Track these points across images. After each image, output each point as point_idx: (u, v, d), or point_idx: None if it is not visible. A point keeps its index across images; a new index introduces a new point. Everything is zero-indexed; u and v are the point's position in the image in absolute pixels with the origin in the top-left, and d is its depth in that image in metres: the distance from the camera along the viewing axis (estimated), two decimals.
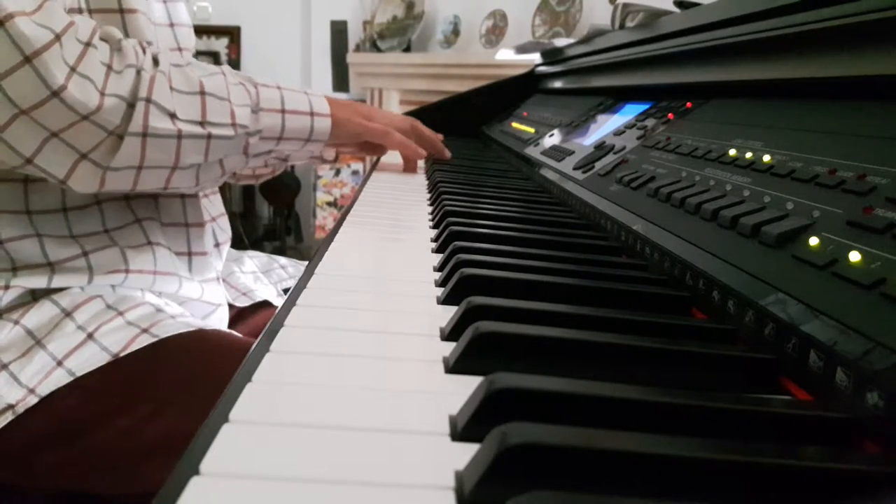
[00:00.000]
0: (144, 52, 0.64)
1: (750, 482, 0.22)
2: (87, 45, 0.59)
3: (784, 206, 0.41)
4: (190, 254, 0.77)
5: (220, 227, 0.85)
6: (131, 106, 0.61)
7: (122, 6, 0.67)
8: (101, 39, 0.61)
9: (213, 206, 0.84)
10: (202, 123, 0.65)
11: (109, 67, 0.60)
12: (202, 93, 0.65)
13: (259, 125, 0.70)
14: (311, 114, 0.75)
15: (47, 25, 0.56)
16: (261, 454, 0.23)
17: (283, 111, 0.72)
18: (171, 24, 0.78)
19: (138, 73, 0.62)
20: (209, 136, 0.65)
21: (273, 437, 0.24)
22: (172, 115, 0.63)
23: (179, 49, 0.79)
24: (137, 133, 0.61)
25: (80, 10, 0.65)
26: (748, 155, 0.50)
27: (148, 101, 0.61)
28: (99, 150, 0.60)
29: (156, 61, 0.64)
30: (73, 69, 0.57)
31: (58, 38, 0.56)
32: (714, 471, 0.22)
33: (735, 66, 0.67)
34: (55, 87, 0.56)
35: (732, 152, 0.52)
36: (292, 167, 3.37)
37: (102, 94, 0.59)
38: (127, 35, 0.68)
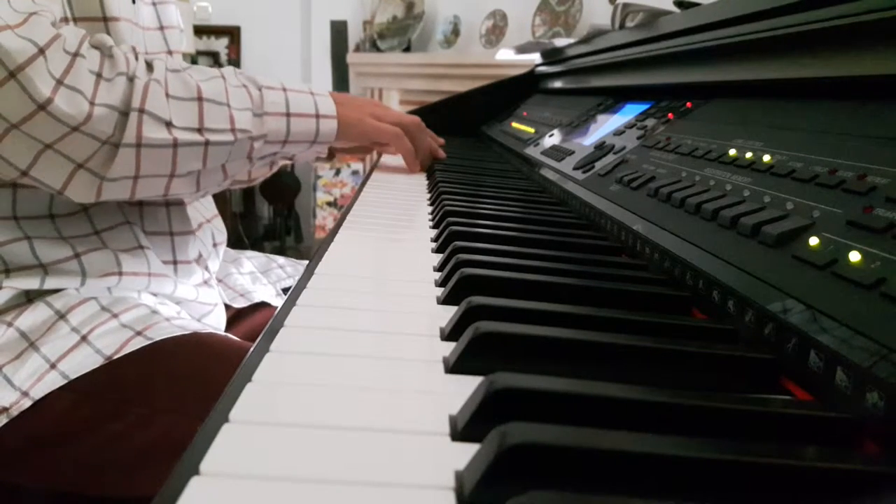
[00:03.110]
0: (137, 57, 0.63)
1: (750, 482, 0.22)
2: (75, 55, 0.58)
3: (784, 206, 0.41)
4: (175, 262, 0.76)
5: (216, 227, 0.84)
6: (124, 115, 0.60)
7: (105, 14, 0.66)
8: (92, 47, 0.61)
9: (205, 209, 0.83)
10: (200, 130, 0.64)
11: (99, 76, 0.60)
12: (199, 98, 0.64)
13: (263, 129, 0.69)
14: (317, 116, 0.74)
15: (30, 38, 0.56)
16: (261, 454, 0.23)
17: (287, 114, 0.71)
18: (161, 28, 0.78)
19: (131, 80, 0.61)
20: (207, 143, 0.65)
21: (273, 437, 0.24)
22: (168, 124, 0.62)
23: (170, 52, 0.78)
24: (131, 144, 0.60)
25: (67, 21, 0.64)
26: (748, 155, 0.50)
27: (141, 111, 0.60)
28: (95, 159, 0.60)
29: (150, 67, 0.63)
30: (59, 82, 0.57)
31: (42, 51, 0.56)
32: (714, 471, 0.22)
33: (735, 66, 0.67)
34: (41, 101, 0.56)
35: (732, 152, 0.52)
36: (292, 167, 3.37)
37: (92, 103, 0.58)
38: None
